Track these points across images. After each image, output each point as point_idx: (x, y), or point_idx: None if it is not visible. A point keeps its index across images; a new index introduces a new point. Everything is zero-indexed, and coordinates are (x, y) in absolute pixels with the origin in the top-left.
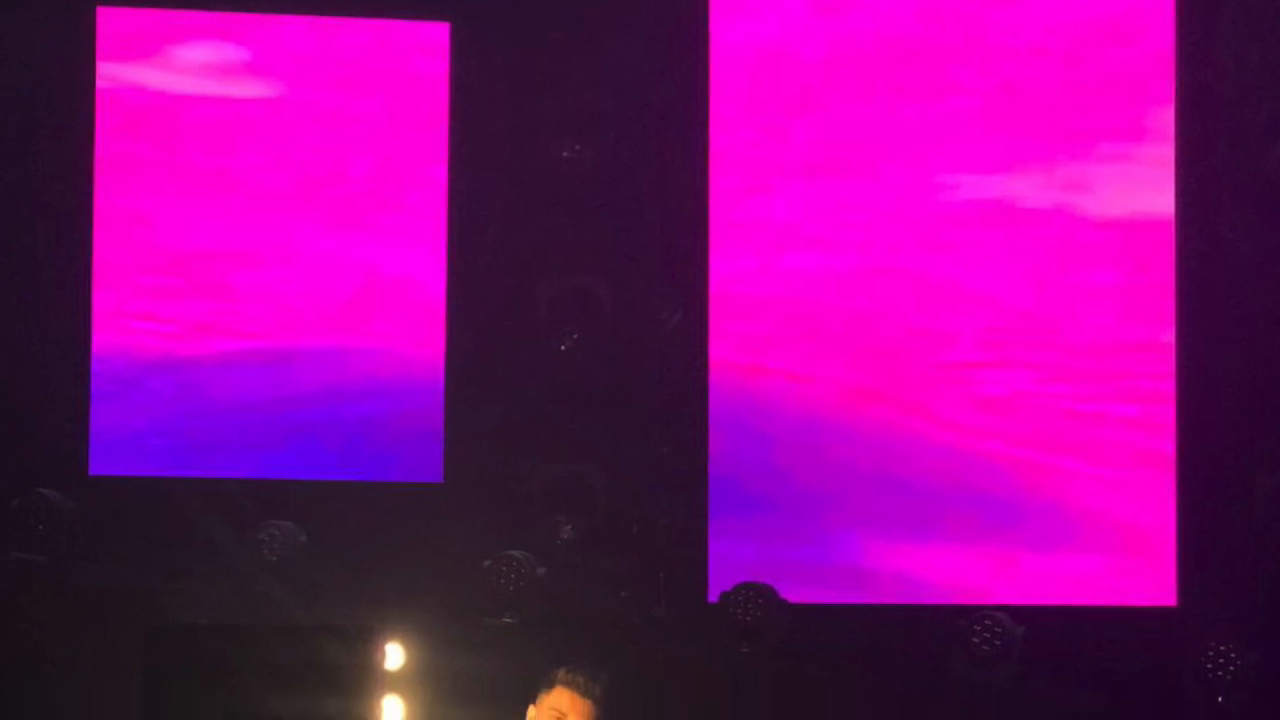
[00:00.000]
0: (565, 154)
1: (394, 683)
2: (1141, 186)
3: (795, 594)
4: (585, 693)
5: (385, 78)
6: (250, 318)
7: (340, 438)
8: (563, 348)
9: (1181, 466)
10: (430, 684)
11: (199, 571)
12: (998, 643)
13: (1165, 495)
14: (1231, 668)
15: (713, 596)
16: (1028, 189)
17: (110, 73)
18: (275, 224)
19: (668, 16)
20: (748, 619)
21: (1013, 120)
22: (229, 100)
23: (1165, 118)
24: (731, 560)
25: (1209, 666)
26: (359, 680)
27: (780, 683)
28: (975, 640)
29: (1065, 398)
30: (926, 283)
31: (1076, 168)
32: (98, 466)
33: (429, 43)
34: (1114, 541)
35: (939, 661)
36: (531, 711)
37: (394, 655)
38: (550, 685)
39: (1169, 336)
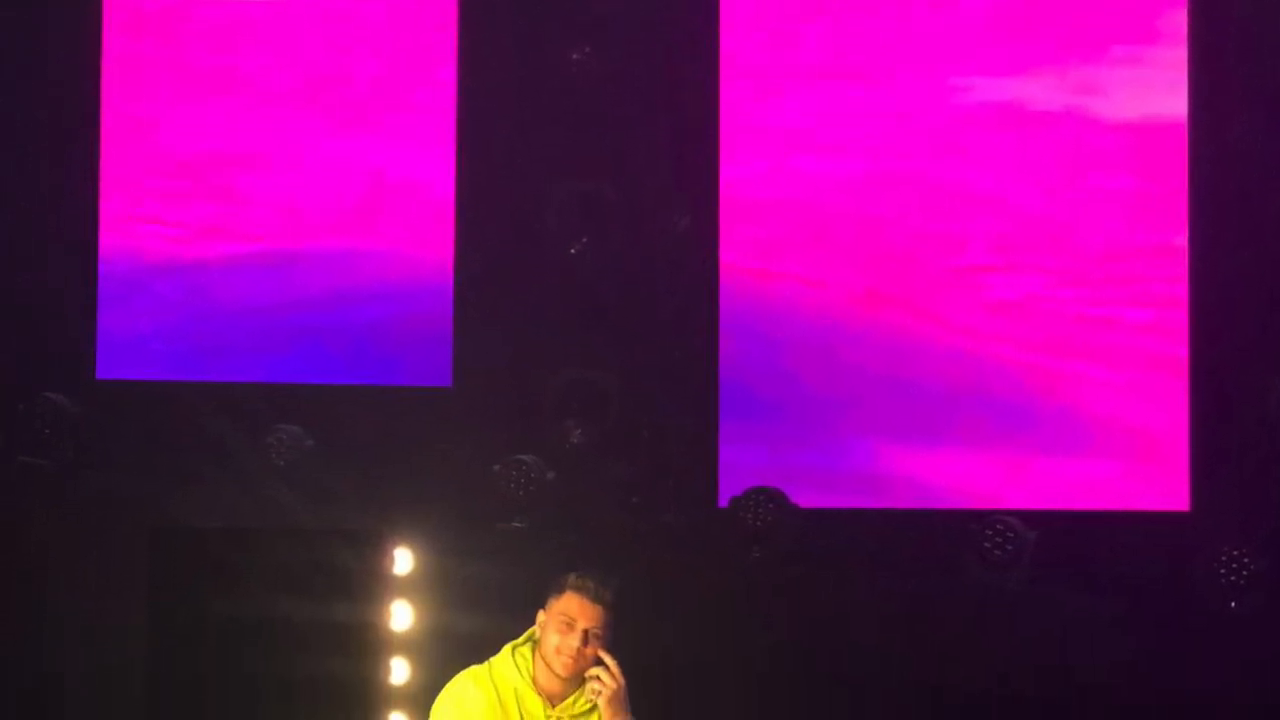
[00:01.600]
0: (575, 56)
1: (402, 588)
2: (1154, 89)
3: (805, 498)
4: (595, 598)
5: None
6: (257, 221)
7: (347, 341)
8: (572, 251)
9: (1194, 371)
10: (439, 589)
11: (206, 475)
12: (1009, 547)
13: (1178, 400)
14: (1244, 573)
15: (723, 501)
16: (1039, 92)
17: None
18: (282, 126)
19: None
20: (758, 523)
21: (1024, 23)
22: (235, 1)
23: (1178, 20)
24: (741, 465)
25: (1221, 572)
26: (367, 585)
27: (790, 587)
28: (986, 545)
29: (1077, 302)
30: (937, 187)
31: (1088, 71)
32: (104, 370)
33: None
34: (1126, 446)
35: (950, 566)
36: (541, 617)
37: (402, 560)
38: (560, 590)
39: (1181, 240)
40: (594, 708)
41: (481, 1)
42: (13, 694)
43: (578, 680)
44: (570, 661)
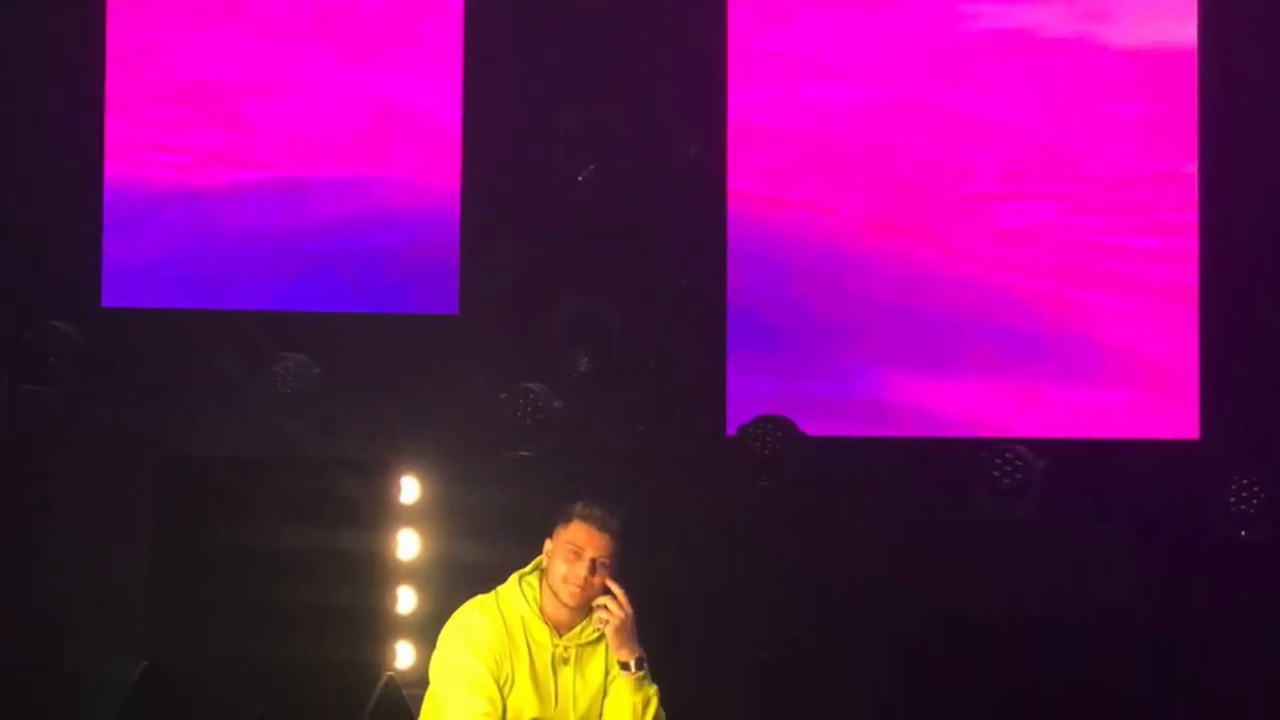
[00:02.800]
0: None
1: (409, 516)
2: (1164, 16)
3: (814, 427)
4: (602, 526)
5: None
6: (264, 149)
7: (354, 269)
8: (580, 179)
9: (1204, 299)
10: (445, 518)
11: (212, 404)
12: (1018, 476)
13: (1188, 328)
14: (1254, 501)
15: (731, 430)
16: (1049, 18)
17: None
18: (289, 54)
19: None
20: (766, 452)
21: None
22: None
23: None
24: (750, 393)
25: (1231, 500)
26: (374, 514)
27: (798, 516)
28: (996, 474)
29: (1087, 230)
30: (947, 114)
31: None
32: (110, 299)
33: None
34: (1136, 374)
35: (959, 495)
36: (548, 545)
37: (409, 489)
38: (567, 519)
39: (1191, 168)
40: (601, 637)
41: None
42: (18, 621)
43: (585, 609)
44: (577, 591)
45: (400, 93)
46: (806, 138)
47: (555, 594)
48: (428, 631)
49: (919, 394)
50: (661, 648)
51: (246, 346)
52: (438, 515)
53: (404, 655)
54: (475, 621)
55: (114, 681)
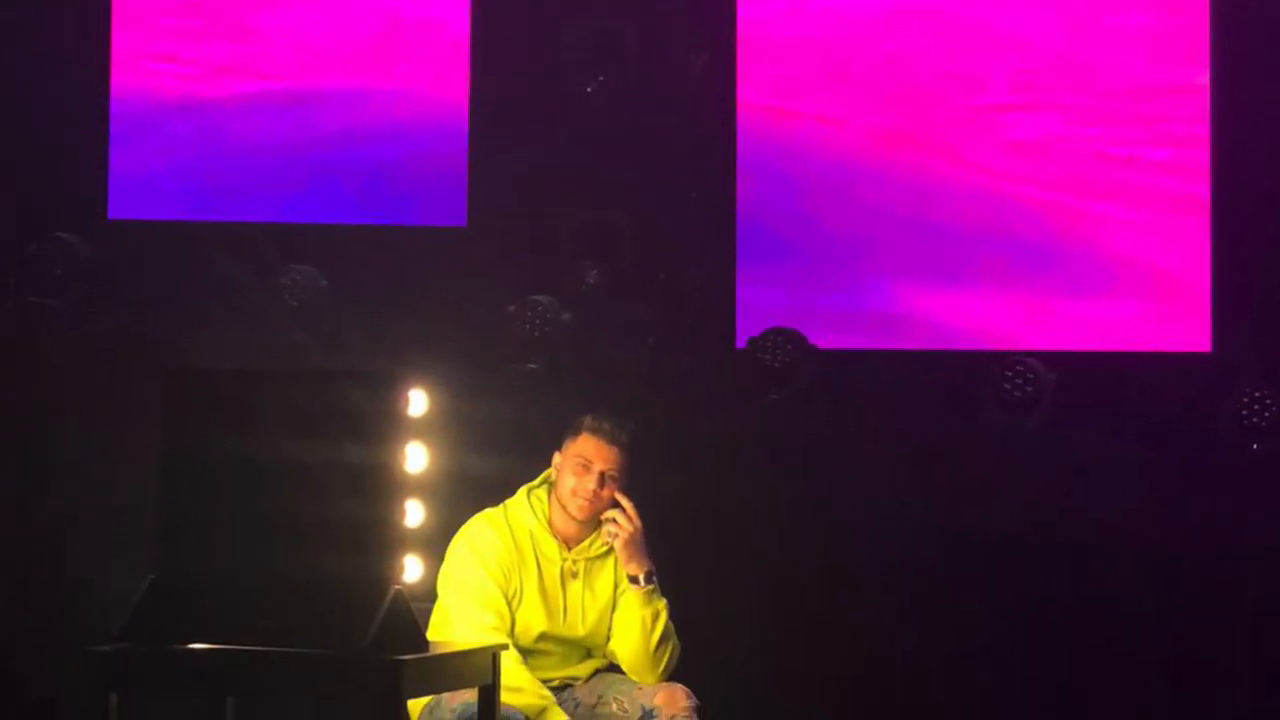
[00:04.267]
0: None
1: (417, 429)
2: None
3: (824, 340)
4: (611, 439)
5: None
6: (270, 59)
7: (362, 181)
8: (588, 90)
9: (1215, 211)
10: (453, 430)
11: (219, 316)
12: (1029, 389)
13: (1199, 240)
14: (1266, 414)
15: (740, 342)
16: None
17: None
18: None
19: None
20: (776, 365)
21: None
22: None
23: None
24: (760, 306)
25: (1244, 413)
26: (381, 427)
27: (808, 428)
28: (1006, 386)
29: (1097, 141)
30: (957, 24)
31: None
32: (116, 210)
33: None
34: (1147, 287)
35: (969, 408)
36: (557, 458)
37: (417, 401)
38: (576, 432)
39: (1203, 79)
40: (610, 550)
41: None
42: (24, 531)
43: (594, 523)
44: (586, 504)
45: (408, 4)
46: (816, 49)
47: (564, 507)
48: (436, 545)
49: (929, 306)
50: (671, 561)
51: (253, 258)
52: (445, 428)
53: (412, 569)
54: (483, 535)
55: (119, 592)
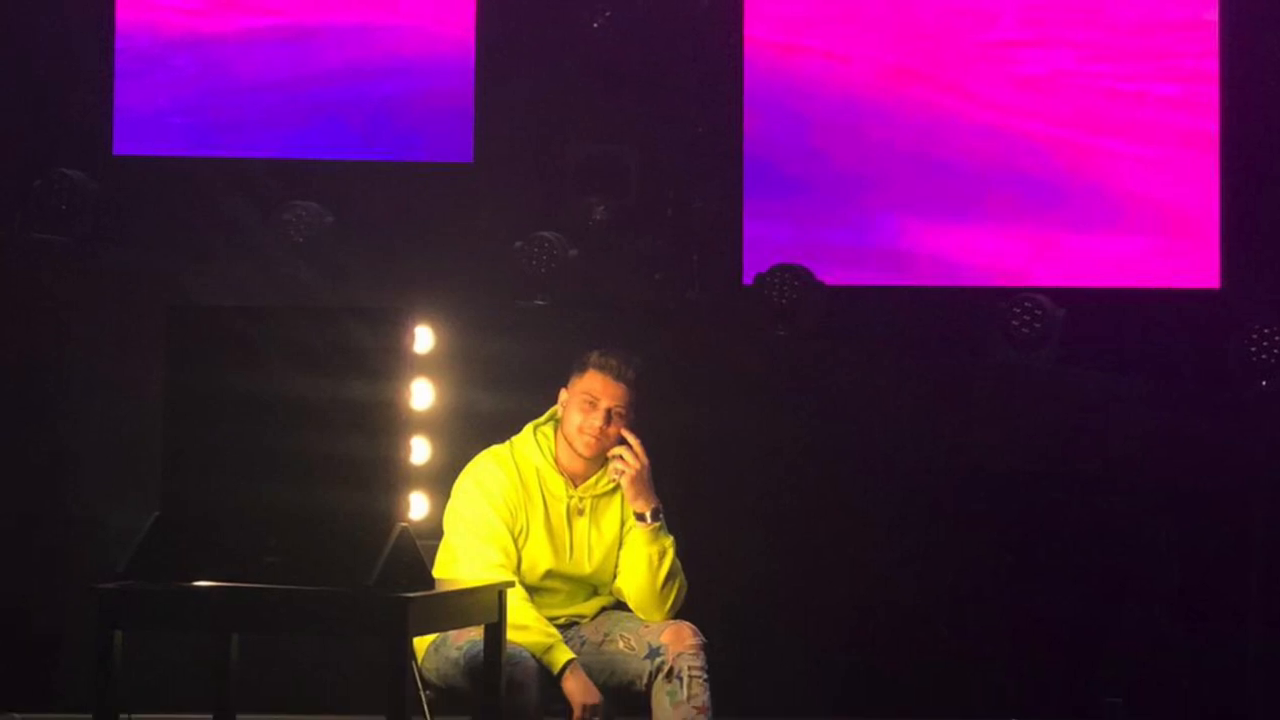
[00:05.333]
0: None
1: (423, 366)
2: None
3: (831, 276)
4: (618, 376)
5: None
6: None
7: (366, 117)
8: (595, 25)
9: (1225, 147)
10: (460, 367)
11: (224, 252)
12: (1038, 325)
13: (1208, 176)
14: (1275, 350)
15: (748, 278)
16: None
17: None
18: None
19: None
20: (783, 301)
21: None
22: None
23: None
24: (767, 242)
25: (1252, 350)
26: (387, 363)
27: (815, 364)
28: (1015, 323)
29: (1106, 77)
30: None
31: None
32: (121, 146)
33: None
34: (1156, 223)
35: (977, 344)
36: (563, 395)
37: (423, 338)
38: (582, 369)
39: (1212, 14)
40: (617, 487)
41: None
42: (29, 468)
43: (600, 460)
44: (593, 441)
45: None
46: None
47: (570, 444)
48: (442, 482)
49: (937, 242)
50: (677, 498)
51: (257, 194)
52: (452, 365)
53: (418, 506)
54: (489, 472)
55: (123, 529)
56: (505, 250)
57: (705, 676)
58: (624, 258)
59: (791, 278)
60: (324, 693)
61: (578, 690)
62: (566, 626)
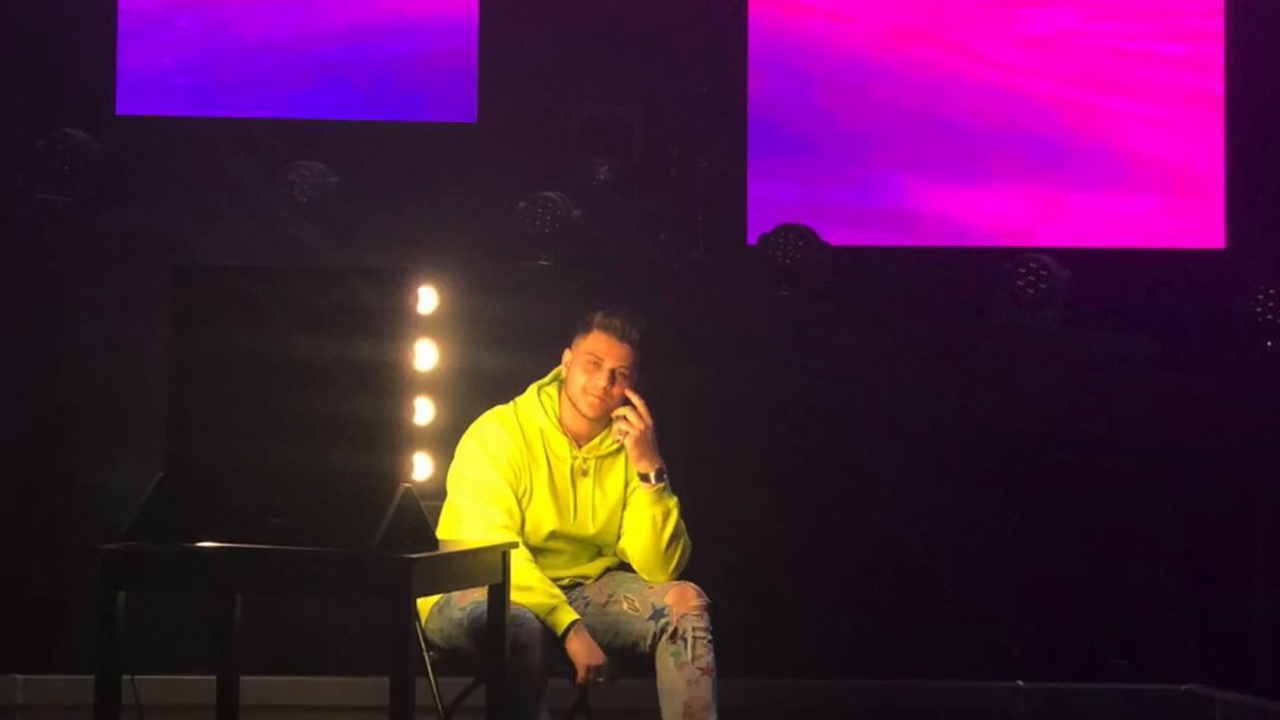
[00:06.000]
0: None
1: (427, 325)
2: None
3: (836, 236)
4: (622, 336)
5: None
6: None
7: (369, 76)
8: None
9: (1230, 106)
10: (464, 327)
11: (228, 212)
12: (1043, 285)
13: (1214, 135)
14: None
15: (752, 238)
16: None
17: None
18: None
19: None
20: (787, 261)
21: None
22: None
23: None
24: (771, 202)
25: (1258, 310)
26: (391, 323)
27: (820, 325)
28: (1020, 283)
29: (1111, 36)
30: None
31: None
32: (124, 106)
33: None
34: (1161, 183)
35: (983, 304)
36: (567, 356)
37: (427, 298)
38: (587, 329)
39: None
40: (621, 448)
41: None
42: (33, 428)
43: (604, 421)
44: (597, 401)
45: None
46: None
47: (574, 405)
48: (445, 443)
49: (942, 202)
50: (682, 459)
51: (262, 154)
52: (455, 325)
53: (421, 467)
54: (493, 432)
55: (127, 489)
56: (509, 210)
57: (709, 637)
58: (628, 218)
59: (796, 238)
60: (327, 654)
61: (582, 651)
62: (570, 587)
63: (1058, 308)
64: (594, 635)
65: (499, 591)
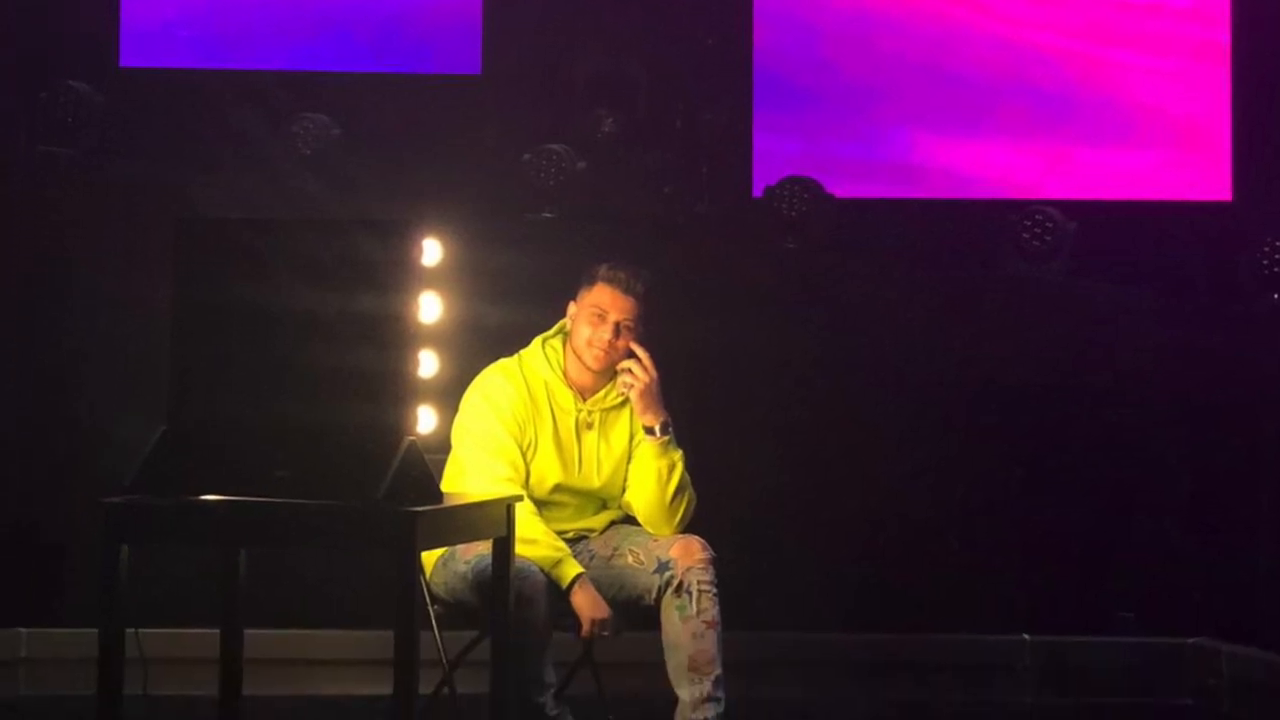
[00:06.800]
0: None
1: (431, 278)
2: None
3: (842, 189)
4: (627, 289)
5: None
6: None
7: (373, 28)
8: None
9: (1236, 59)
10: (468, 280)
11: (232, 165)
12: (1048, 238)
13: (1220, 88)
14: None
15: (757, 191)
16: None
17: None
18: None
19: None
20: (793, 214)
21: None
22: None
23: None
24: (777, 154)
25: (1264, 263)
26: (395, 276)
27: (825, 278)
28: (1026, 235)
29: None
30: None
31: None
32: (128, 58)
33: None
34: (1168, 135)
35: (988, 257)
36: (572, 308)
37: (431, 251)
38: (591, 282)
39: None
40: (625, 401)
41: None
42: (36, 381)
43: (609, 373)
44: (602, 354)
45: None
46: None
47: (579, 357)
48: (450, 396)
49: (948, 155)
50: (687, 412)
51: (266, 106)
52: (460, 278)
53: (425, 420)
54: (498, 385)
55: (130, 443)
56: (514, 163)
57: (714, 590)
58: (633, 171)
59: (801, 190)
60: (331, 608)
61: (586, 604)
62: (575, 541)
63: (1063, 260)
64: (599, 588)
65: (504, 545)
